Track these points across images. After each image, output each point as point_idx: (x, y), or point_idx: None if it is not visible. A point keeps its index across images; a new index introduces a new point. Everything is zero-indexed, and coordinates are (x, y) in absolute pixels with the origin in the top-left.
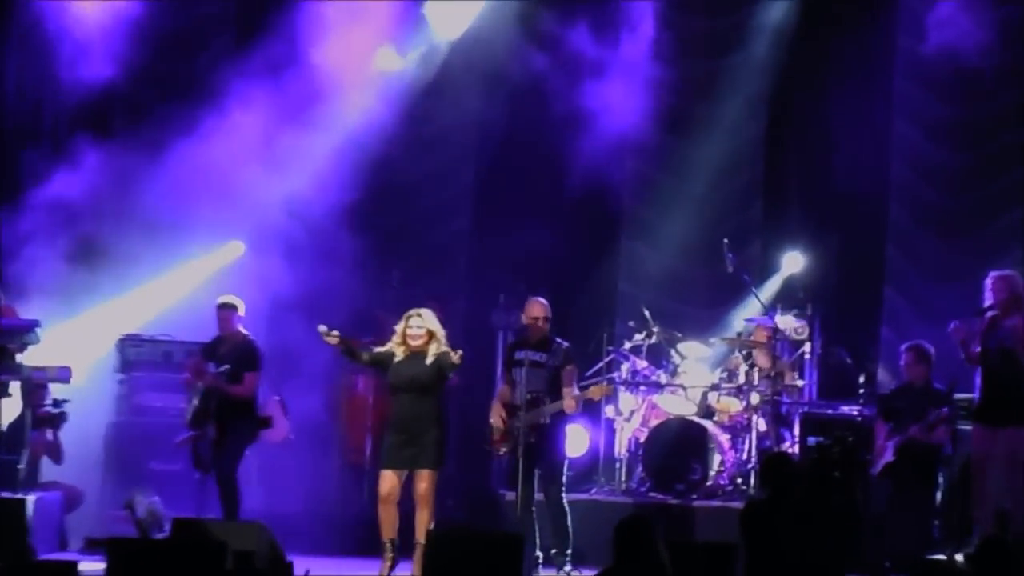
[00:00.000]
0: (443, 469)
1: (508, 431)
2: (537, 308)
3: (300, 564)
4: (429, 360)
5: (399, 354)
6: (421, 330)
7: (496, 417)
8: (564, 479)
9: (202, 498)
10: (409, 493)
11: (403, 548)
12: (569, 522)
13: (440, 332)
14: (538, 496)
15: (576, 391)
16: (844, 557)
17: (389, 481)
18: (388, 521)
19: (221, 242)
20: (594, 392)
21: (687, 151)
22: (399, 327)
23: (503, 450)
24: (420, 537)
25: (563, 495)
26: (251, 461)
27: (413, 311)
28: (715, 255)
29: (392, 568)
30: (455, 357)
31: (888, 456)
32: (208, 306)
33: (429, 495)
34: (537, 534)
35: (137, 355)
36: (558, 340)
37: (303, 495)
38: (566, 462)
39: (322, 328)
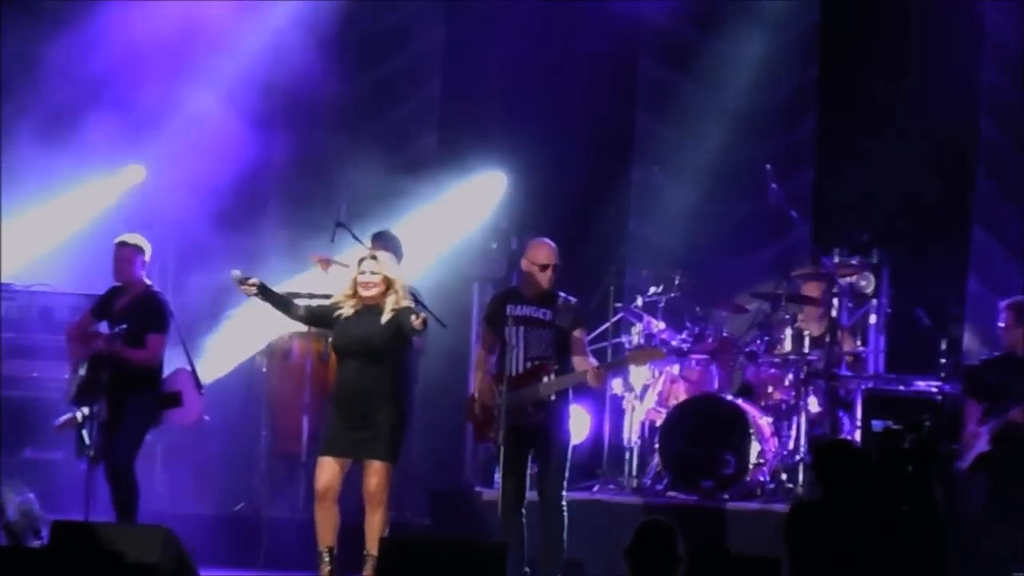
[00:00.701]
0: (401, 460)
1: (495, 410)
2: (545, 252)
3: None
4: (385, 317)
5: (346, 309)
6: (376, 277)
7: (486, 391)
8: (567, 474)
9: (90, 495)
10: (356, 490)
11: (349, 561)
12: (565, 533)
13: (400, 281)
14: (530, 495)
15: (593, 360)
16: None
17: (328, 472)
18: (326, 524)
19: (116, 166)
20: (638, 358)
21: (719, 50)
22: (348, 274)
23: (491, 436)
24: (370, 547)
25: (564, 495)
26: (153, 449)
27: (366, 252)
28: (754, 185)
29: None
30: (417, 322)
31: (982, 446)
32: (99, 248)
33: (382, 493)
34: (525, 544)
35: (6, 311)
36: (564, 294)
37: (219, 493)
38: (570, 452)
39: (235, 274)
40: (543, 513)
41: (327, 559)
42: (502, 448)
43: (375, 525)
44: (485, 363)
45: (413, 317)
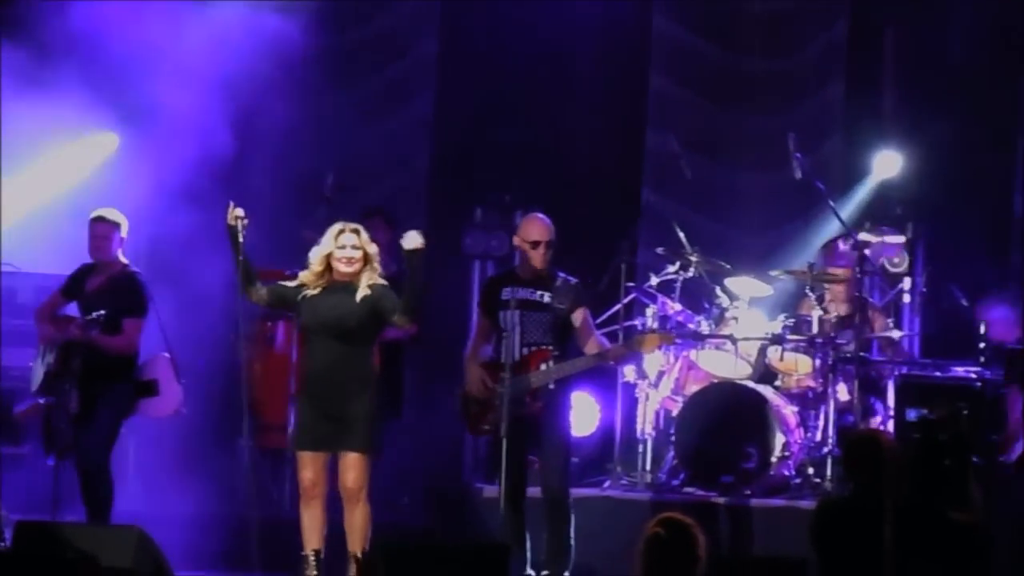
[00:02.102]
0: (386, 455)
1: (491, 401)
2: (537, 228)
3: None
4: (360, 295)
5: (312, 286)
6: (358, 253)
7: (477, 382)
8: (570, 468)
9: (57, 493)
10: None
11: (336, 564)
12: (572, 531)
13: (376, 257)
14: (531, 491)
15: (604, 341)
16: None
17: (311, 468)
18: (311, 525)
19: (87, 133)
20: (645, 343)
21: (736, 4)
22: (320, 249)
23: (486, 428)
24: (353, 547)
25: (568, 491)
26: (127, 443)
27: (345, 225)
28: (777, 154)
29: None
30: (401, 318)
31: None
32: (70, 223)
33: (360, 489)
34: (528, 544)
35: None
36: (563, 274)
37: (199, 491)
38: (571, 445)
39: (238, 212)
40: (547, 511)
41: (313, 562)
42: (501, 441)
43: (356, 523)
44: (477, 352)
45: (387, 294)
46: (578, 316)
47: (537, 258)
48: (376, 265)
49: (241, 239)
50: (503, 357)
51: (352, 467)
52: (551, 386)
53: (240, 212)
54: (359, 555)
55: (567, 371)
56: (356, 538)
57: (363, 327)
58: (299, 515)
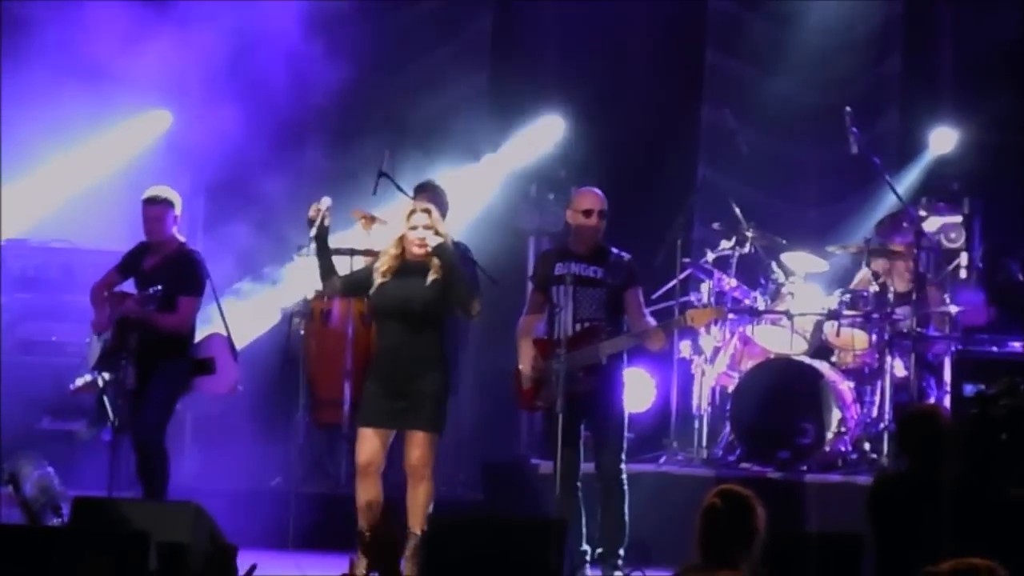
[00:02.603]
0: (446, 431)
1: (544, 377)
2: (589, 198)
3: (246, 559)
4: (431, 278)
5: (383, 268)
6: (429, 233)
7: (527, 361)
8: (624, 444)
9: (114, 470)
10: (400, 464)
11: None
12: (627, 507)
13: (449, 239)
14: (586, 467)
15: (651, 319)
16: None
17: (369, 444)
18: (368, 501)
19: (141, 110)
20: (696, 317)
21: None
22: (392, 230)
23: (539, 404)
24: (413, 524)
25: (623, 467)
26: (183, 419)
27: (418, 204)
28: (833, 129)
29: (372, 568)
30: (475, 307)
31: None
32: (126, 201)
33: (425, 467)
34: (584, 520)
35: (22, 269)
36: (616, 250)
37: (253, 467)
38: (626, 420)
39: (321, 205)
40: (602, 488)
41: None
42: (556, 417)
43: (419, 500)
44: (530, 327)
45: (474, 304)
46: (630, 293)
47: (590, 228)
48: (449, 243)
49: (323, 232)
50: (556, 333)
51: (418, 445)
52: (603, 361)
53: (325, 204)
54: (418, 532)
55: (619, 347)
56: (418, 515)
57: (431, 310)
58: (355, 491)
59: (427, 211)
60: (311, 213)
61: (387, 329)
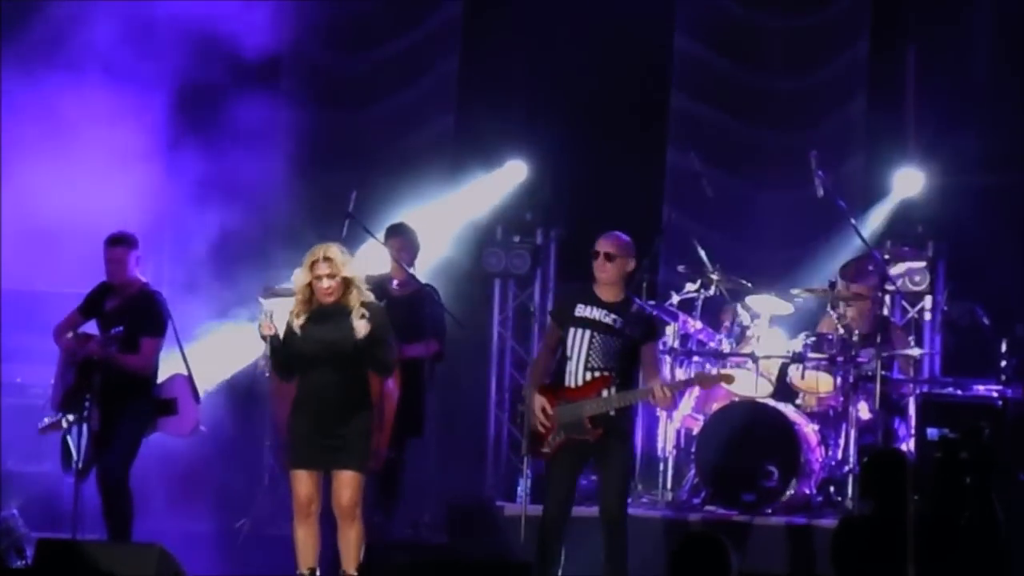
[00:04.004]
0: (409, 473)
1: (552, 425)
2: (600, 242)
3: None
4: (357, 319)
5: (298, 311)
6: (333, 282)
7: (536, 410)
8: (629, 488)
9: (78, 511)
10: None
11: None
12: (627, 551)
13: (359, 276)
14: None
15: (666, 375)
16: None
17: (306, 486)
18: (307, 544)
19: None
20: (704, 380)
21: (758, 21)
22: (299, 277)
23: (545, 451)
24: (347, 566)
25: (626, 515)
26: (147, 460)
27: (317, 249)
28: (798, 172)
29: None
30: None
31: None
32: (87, 241)
33: (356, 507)
34: (562, 565)
35: None
36: (639, 301)
37: (219, 508)
38: (636, 465)
39: (272, 324)
40: (605, 534)
41: None
42: (552, 463)
43: (351, 541)
44: (541, 372)
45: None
46: (648, 347)
47: (603, 270)
48: (359, 283)
49: (277, 342)
50: (566, 380)
51: (348, 485)
52: (611, 413)
53: (274, 325)
54: (352, 574)
55: (625, 402)
56: (351, 557)
57: (358, 351)
58: (293, 533)
59: (328, 259)
60: (263, 330)
61: (314, 371)
